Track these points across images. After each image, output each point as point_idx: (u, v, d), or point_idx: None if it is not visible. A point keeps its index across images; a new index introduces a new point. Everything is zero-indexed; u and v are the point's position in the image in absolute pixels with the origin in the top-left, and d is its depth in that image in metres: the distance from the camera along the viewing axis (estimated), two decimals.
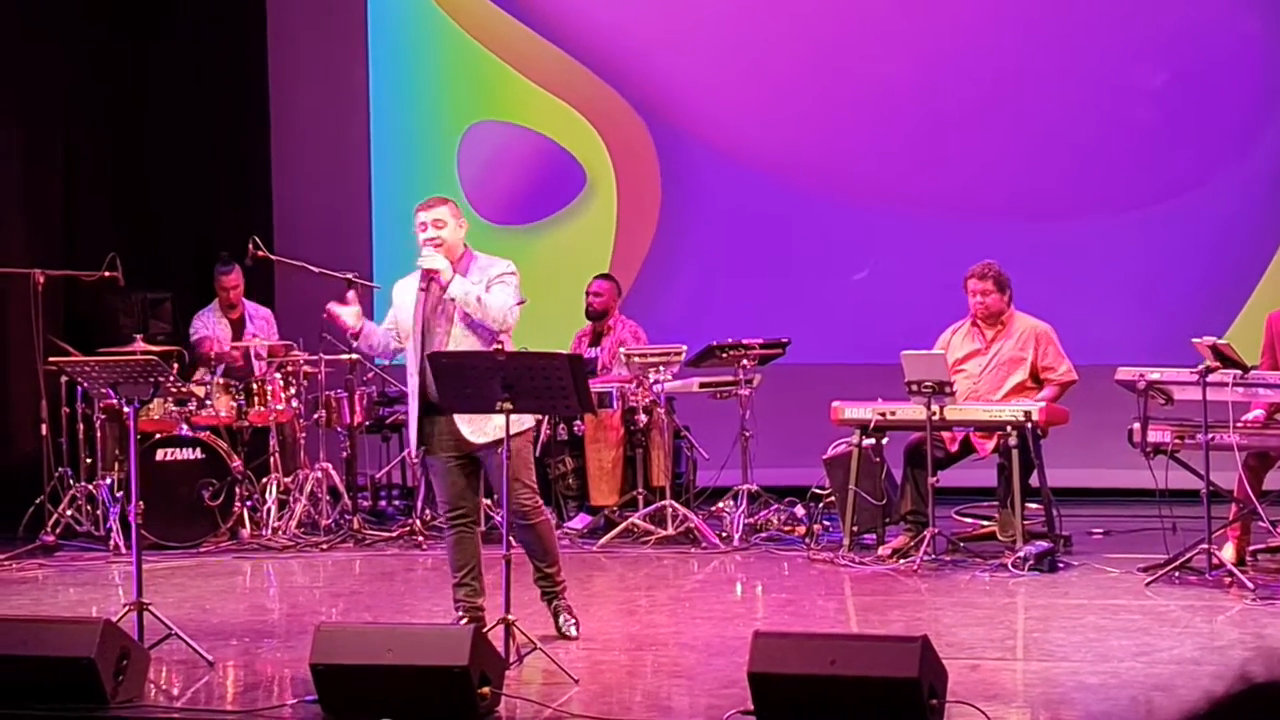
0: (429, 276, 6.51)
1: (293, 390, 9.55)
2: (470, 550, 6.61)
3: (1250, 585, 7.33)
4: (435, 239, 6.53)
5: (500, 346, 6.39)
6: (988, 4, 10.60)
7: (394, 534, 9.28)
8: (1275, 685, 1.96)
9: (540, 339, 7.59)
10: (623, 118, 11.00)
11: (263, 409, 9.46)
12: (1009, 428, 8.14)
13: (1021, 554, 7.97)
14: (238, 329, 10.02)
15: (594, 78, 11.03)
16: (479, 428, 6.44)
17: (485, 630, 5.91)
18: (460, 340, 6.48)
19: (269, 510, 9.31)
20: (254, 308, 10.19)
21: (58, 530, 9.12)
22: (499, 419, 6.18)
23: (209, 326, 10.03)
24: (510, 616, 6.09)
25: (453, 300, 6.48)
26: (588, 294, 9.95)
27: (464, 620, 6.48)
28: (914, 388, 8.08)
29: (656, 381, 9.20)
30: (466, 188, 11.12)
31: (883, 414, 8.33)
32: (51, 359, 7.91)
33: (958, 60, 10.52)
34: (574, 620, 6.70)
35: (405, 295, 6.66)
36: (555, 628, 6.66)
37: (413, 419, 6.57)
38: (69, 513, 9.20)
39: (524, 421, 6.52)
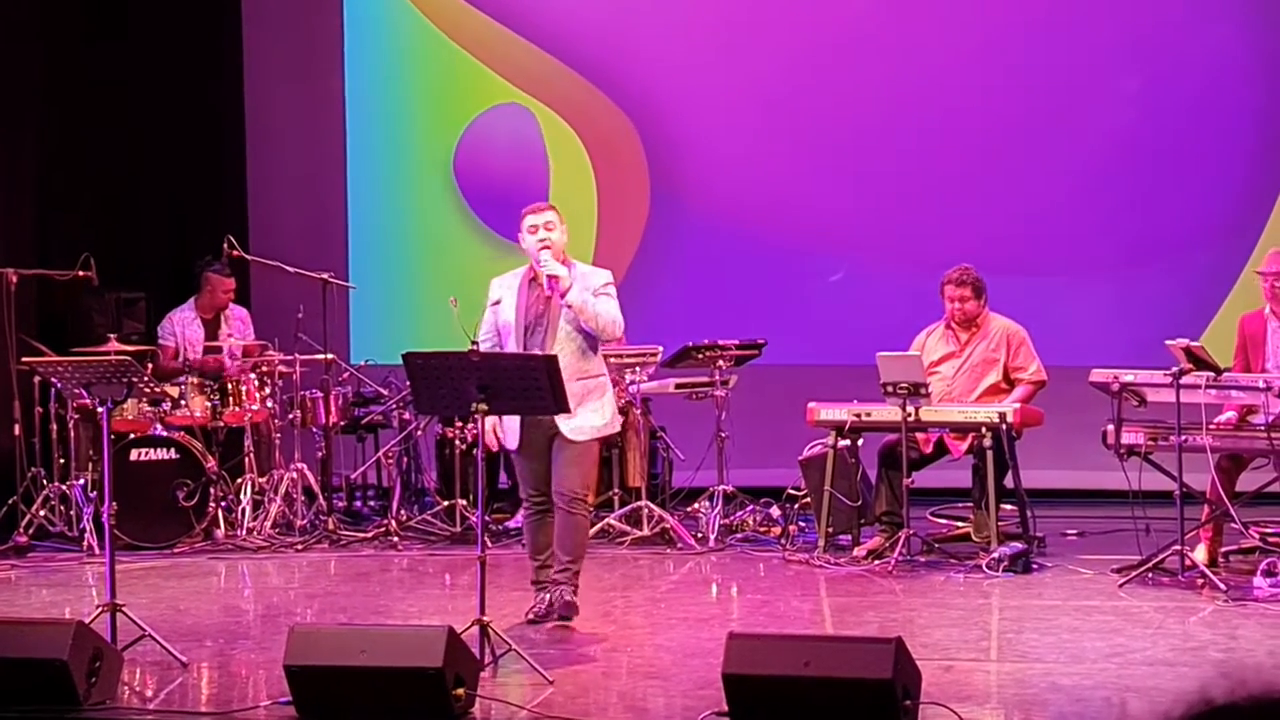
0: (552, 284, 6.69)
1: (268, 390, 9.53)
2: (550, 533, 6.91)
3: (1223, 586, 7.35)
4: (547, 241, 6.71)
5: (475, 347, 6.41)
6: (971, 17, 10.61)
7: (369, 535, 9.26)
8: (1235, 707, 1.96)
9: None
10: (606, 118, 10.99)
11: (237, 409, 9.43)
12: (984, 429, 8.16)
13: (996, 555, 7.99)
14: (211, 329, 9.99)
15: (577, 77, 11.01)
16: (578, 427, 6.73)
17: (462, 631, 5.91)
18: (564, 342, 6.71)
19: (244, 511, 9.28)
20: (231, 307, 10.15)
21: (30, 531, 9.07)
22: (595, 419, 6.73)
23: (184, 325, 9.99)
24: (485, 618, 6.09)
25: (566, 305, 6.68)
26: None
27: (546, 598, 6.86)
28: (889, 389, 8.10)
29: (632, 382, 9.20)
30: (447, 189, 11.11)
31: (858, 415, 8.35)
32: (25, 359, 7.88)
33: (938, 67, 10.53)
34: (571, 611, 6.85)
35: (506, 294, 6.86)
36: (549, 604, 6.87)
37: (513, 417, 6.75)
38: (42, 513, 9.16)
39: (614, 427, 6.99)
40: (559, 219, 6.82)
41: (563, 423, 6.68)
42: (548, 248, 6.70)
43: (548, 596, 6.91)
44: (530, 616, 6.90)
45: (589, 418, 6.74)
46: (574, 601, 6.88)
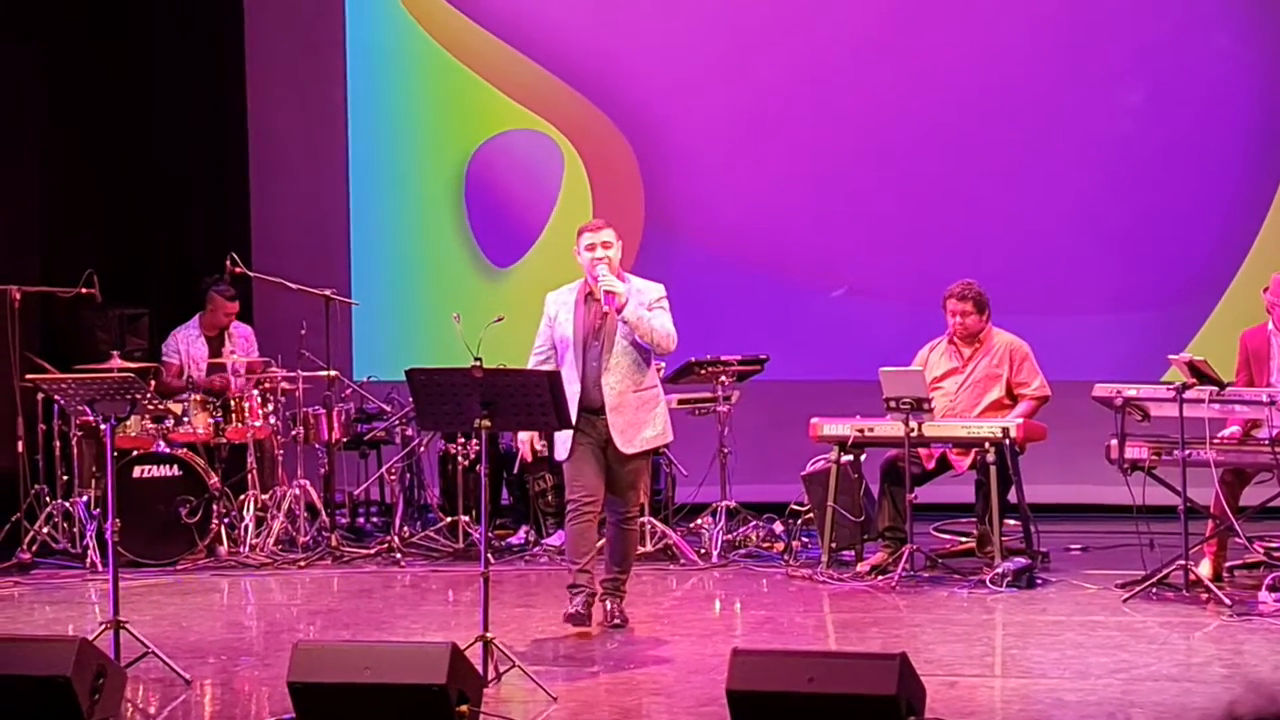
0: (609, 299, 6.93)
1: (270, 407, 9.52)
2: (593, 538, 7.10)
3: (1227, 601, 7.35)
4: (604, 259, 6.97)
5: (478, 363, 6.40)
6: (970, 35, 10.62)
7: (372, 551, 9.25)
8: None
9: (520, 362, 7.58)
10: (602, 133, 11.00)
11: (240, 426, 9.43)
12: (987, 444, 8.16)
13: (1000, 570, 7.98)
14: (215, 346, 9.99)
15: (574, 93, 11.02)
16: (629, 439, 6.97)
17: (466, 647, 5.90)
18: (620, 356, 6.97)
19: (246, 527, 9.27)
20: (235, 325, 10.15)
21: (34, 548, 9.07)
22: (647, 432, 6.97)
23: (188, 342, 9.99)
24: (488, 634, 6.09)
25: (623, 320, 6.91)
26: None
27: (582, 601, 7.02)
28: (892, 404, 8.10)
29: None
30: (449, 205, 11.13)
31: (861, 430, 8.35)
32: (28, 376, 7.88)
33: (937, 84, 10.54)
34: (620, 619, 7.12)
35: (563, 310, 7.08)
36: (605, 614, 7.12)
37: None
38: (45, 530, 9.15)
39: (666, 436, 7.17)
40: (615, 236, 7.08)
41: (617, 435, 6.93)
42: (606, 264, 6.96)
43: (581, 598, 7.04)
44: (571, 613, 7.04)
45: (644, 430, 7.02)
46: (622, 611, 7.19)
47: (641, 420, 7.03)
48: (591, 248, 7.02)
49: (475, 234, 11.11)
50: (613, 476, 7.05)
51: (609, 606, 7.16)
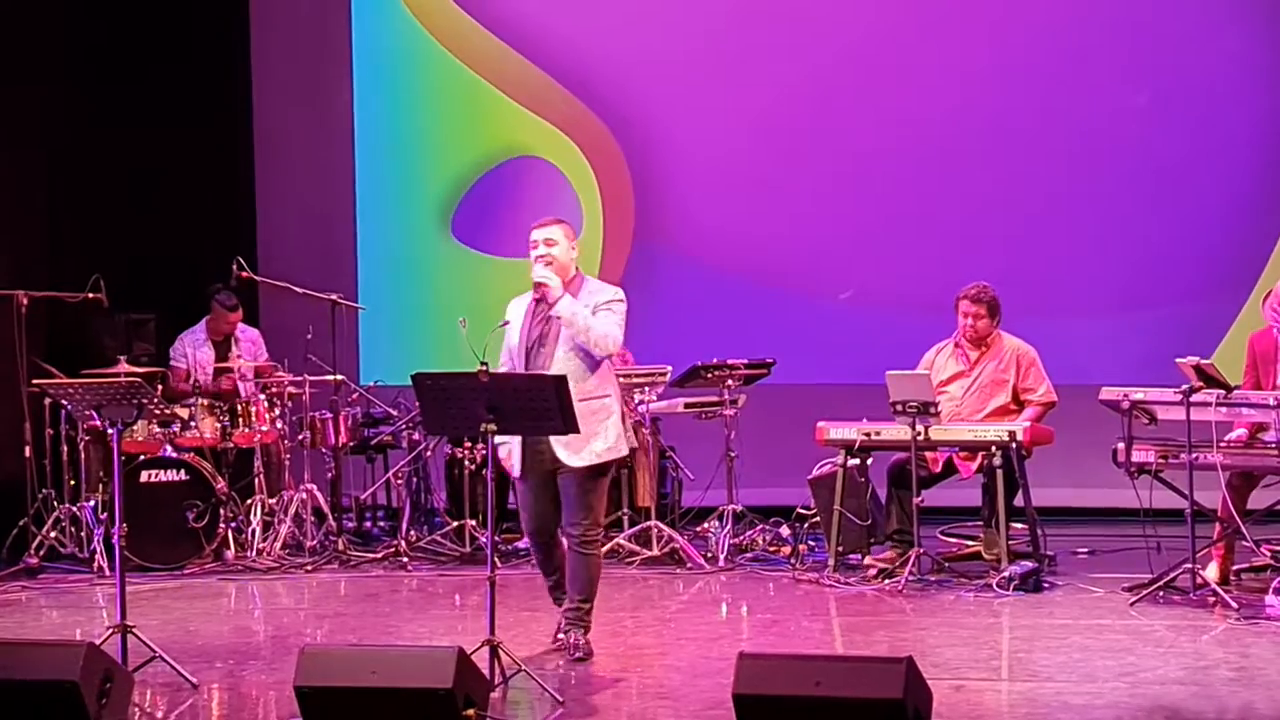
0: (540, 291, 6.64)
1: (277, 411, 9.54)
2: (558, 559, 6.83)
3: (1234, 605, 7.35)
4: (546, 256, 6.68)
5: (484, 368, 6.39)
6: (975, 38, 10.61)
7: (379, 555, 9.26)
8: None
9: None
10: (599, 137, 11.00)
11: (247, 430, 9.44)
12: (994, 448, 8.15)
13: (1006, 574, 7.98)
14: (223, 351, 10.00)
15: (572, 97, 11.03)
16: (576, 450, 6.54)
17: (472, 651, 5.91)
18: (562, 362, 6.57)
19: (253, 532, 9.28)
20: (242, 329, 10.16)
21: (41, 553, 9.08)
22: (597, 444, 6.52)
23: (195, 347, 10.00)
24: (495, 638, 6.09)
25: (559, 319, 6.60)
26: None
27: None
28: (899, 408, 8.10)
29: (641, 402, 9.20)
30: (456, 212, 11.15)
31: (868, 434, 8.34)
32: (35, 381, 7.88)
33: (944, 87, 10.54)
34: (583, 652, 6.69)
35: (515, 315, 6.79)
36: (568, 647, 6.71)
37: (516, 439, 6.61)
38: (53, 535, 9.16)
39: (620, 450, 6.68)
40: (564, 235, 6.75)
41: (562, 449, 6.54)
42: (550, 263, 6.66)
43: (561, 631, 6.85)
44: (556, 640, 6.86)
45: (593, 441, 6.56)
46: (586, 643, 6.74)
47: (590, 431, 6.51)
48: (535, 245, 6.70)
49: (481, 238, 11.11)
50: (566, 496, 6.63)
51: (572, 639, 6.71)
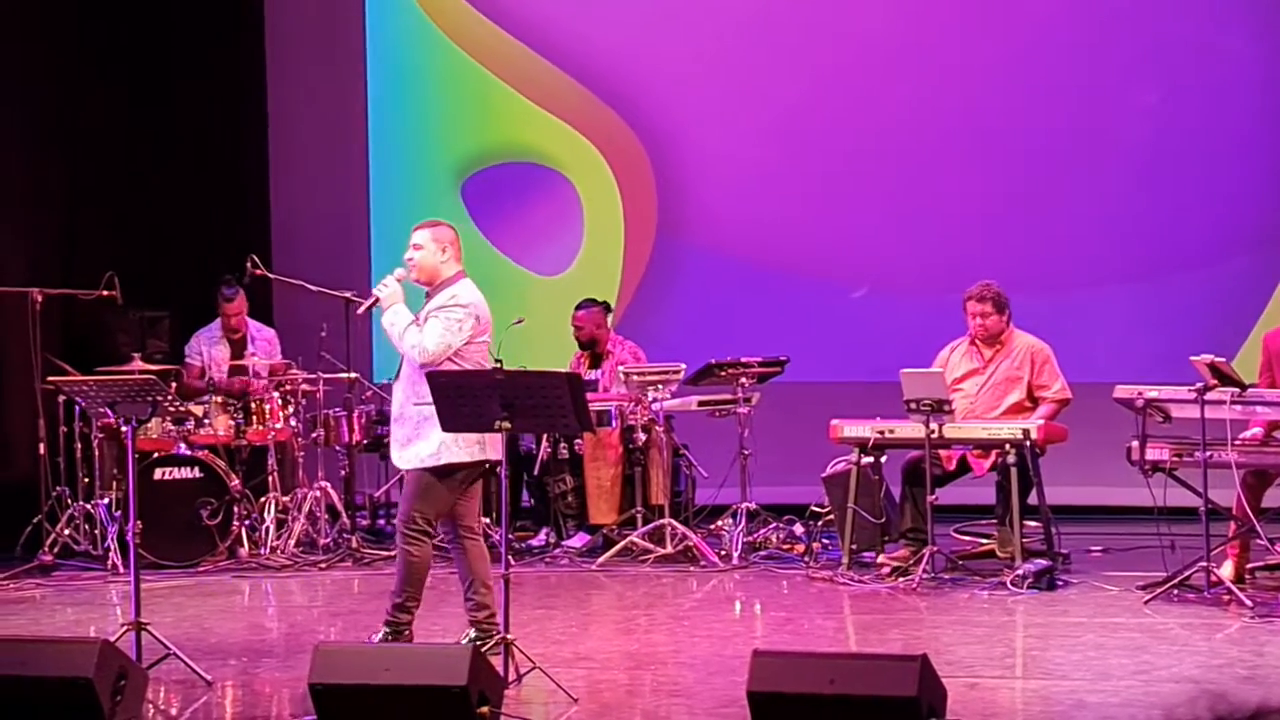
0: (374, 304, 6.64)
1: (291, 409, 9.54)
2: (463, 562, 6.60)
3: (1249, 603, 7.33)
4: (410, 259, 6.61)
5: (500, 364, 6.40)
6: (988, 35, 10.60)
7: (392, 553, 9.24)
8: None
9: (547, 363, 7.58)
10: (619, 137, 11.01)
11: (261, 428, 9.45)
12: (1008, 446, 8.14)
13: (1020, 572, 7.97)
14: (238, 349, 10.01)
15: (592, 97, 11.04)
16: (400, 451, 6.55)
17: (486, 649, 5.91)
18: (405, 365, 6.55)
19: (267, 529, 9.29)
20: (257, 328, 10.17)
21: (55, 550, 9.10)
22: (423, 448, 6.39)
23: (210, 344, 10.02)
24: (510, 636, 6.09)
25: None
26: (572, 324, 9.89)
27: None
28: (913, 406, 8.08)
29: (655, 400, 9.20)
30: (472, 212, 11.14)
31: (882, 432, 8.33)
32: (49, 378, 7.90)
33: (958, 85, 10.54)
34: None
35: None
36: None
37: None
38: (67, 532, 9.18)
39: (440, 458, 6.42)
40: (432, 239, 6.57)
41: (395, 445, 6.57)
42: (413, 267, 6.56)
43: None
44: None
45: (417, 447, 6.45)
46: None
47: (418, 434, 6.43)
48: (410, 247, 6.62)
49: (495, 237, 11.11)
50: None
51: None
